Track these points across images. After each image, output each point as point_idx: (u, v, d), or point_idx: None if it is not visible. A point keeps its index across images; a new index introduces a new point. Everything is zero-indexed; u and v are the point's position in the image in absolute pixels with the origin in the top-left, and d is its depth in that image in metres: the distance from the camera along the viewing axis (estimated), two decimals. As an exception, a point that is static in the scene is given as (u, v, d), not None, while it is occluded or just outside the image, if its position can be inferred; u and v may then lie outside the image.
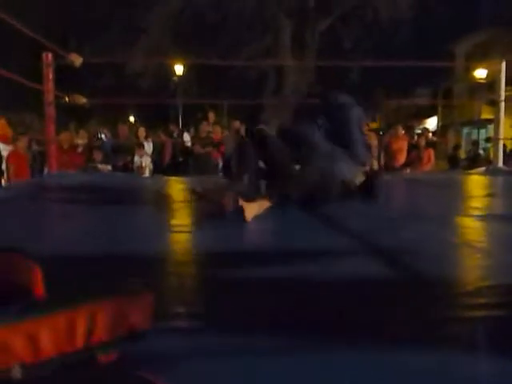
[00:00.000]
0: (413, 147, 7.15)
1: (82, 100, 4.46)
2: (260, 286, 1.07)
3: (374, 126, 17.05)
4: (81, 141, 6.74)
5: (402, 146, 6.95)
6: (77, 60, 4.11)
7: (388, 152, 6.90)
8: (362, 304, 0.95)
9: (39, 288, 0.67)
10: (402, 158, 6.87)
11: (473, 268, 1.31)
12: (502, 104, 4.80)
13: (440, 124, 17.71)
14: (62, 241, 1.58)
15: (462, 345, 0.77)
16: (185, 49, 13.97)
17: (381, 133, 8.01)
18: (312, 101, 6.26)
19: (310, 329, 0.82)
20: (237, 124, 7.24)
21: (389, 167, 6.55)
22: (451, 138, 15.77)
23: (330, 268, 1.21)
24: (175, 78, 14.41)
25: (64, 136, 6.43)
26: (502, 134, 4.90)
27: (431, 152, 7.23)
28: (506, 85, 4.87)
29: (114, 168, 6.33)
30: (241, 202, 1.90)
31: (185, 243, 1.65)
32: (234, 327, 0.82)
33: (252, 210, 1.92)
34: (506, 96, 4.88)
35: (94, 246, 1.47)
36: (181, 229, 1.87)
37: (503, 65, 4.75)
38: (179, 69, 13.79)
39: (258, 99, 13.60)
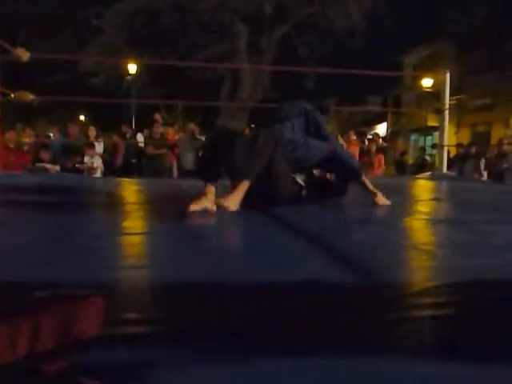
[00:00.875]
0: (364, 152, 7.38)
1: (29, 97, 4.27)
2: (213, 290, 1.06)
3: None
4: (27, 139, 6.45)
5: (353, 151, 7.15)
6: (23, 55, 3.93)
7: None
8: (316, 307, 0.96)
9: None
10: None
11: (420, 269, 1.37)
12: (447, 112, 5.06)
13: (389, 130, 18.39)
14: (7, 246, 1.49)
15: (413, 344, 0.80)
16: (141, 49, 13.71)
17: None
18: (268, 105, 6.32)
19: (266, 335, 0.82)
20: (191, 126, 7.19)
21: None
22: (400, 144, 16.40)
23: (282, 271, 1.22)
24: (128, 77, 14.10)
25: (9, 135, 6.13)
26: (446, 141, 5.15)
27: (381, 157, 7.49)
28: (451, 94, 5.14)
29: (63, 169, 6.10)
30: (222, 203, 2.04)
31: (139, 246, 1.61)
32: (189, 335, 0.81)
33: (234, 200, 2.06)
34: (449, 105, 5.15)
35: (43, 251, 1.40)
36: (134, 231, 1.82)
37: (447, 75, 5.01)
38: (133, 68, 13.51)
39: (214, 102, 13.56)
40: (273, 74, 14.82)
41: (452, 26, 15.15)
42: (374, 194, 2.58)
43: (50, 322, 0.54)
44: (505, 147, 8.25)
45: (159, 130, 7.05)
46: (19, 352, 0.52)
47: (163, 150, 6.79)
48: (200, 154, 2.75)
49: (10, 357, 0.52)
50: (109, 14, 14.79)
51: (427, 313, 0.95)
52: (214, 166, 2.30)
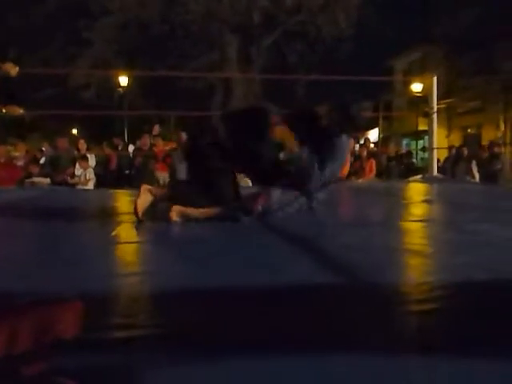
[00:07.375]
0: (356, 158, 7.40)
1: (19, 111, 4.27)
2: (201, 294, 1.06)
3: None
4: (18, 154, 6.43)
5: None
6: (12, 70, 3.92)
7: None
8: (309, 311, 0.96)
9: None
10: (345, 168, 7.07)
11: (413, 268, 1.37)
12: (435, 116, 5.10)
13: (381, 135, 18.46)
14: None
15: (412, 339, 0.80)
16: (130, 61, 13.75)
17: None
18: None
19: (259, 338, 0.82)
20: (183, 136, 7.19)
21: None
22: (392, 149, 16.45)
23: (275, 276, 1.22)
24: (120, 90, 14.10)
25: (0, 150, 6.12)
26: (435, 144, 5.19)
27: (373, 162, 7.51)
28: (440, 98, 5.19)
29: (53, 182, 6.08)
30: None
31: (130, 255, 1.61)
32: (169, 339, 0.80)
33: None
34: (438, 108, 5.20)
35: (36, 261, 1.40)
36: (127, 240, 1.82)
37: (434, 79, 5.06)
38: (124, 80, 13.51)
39: (206, 111, 13.59)
40: (263, 82, 14.89)
41: (440, 29, 15.31)
42: None
43: (28, 324, 0.54)
44: (496, 149, 8.30)
45: (146, 141, 7.08)
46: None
47: (151, 161, 6.79)
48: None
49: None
50: (98, 26, 14.87)
51: (423, 307, 0.95)
52: None
